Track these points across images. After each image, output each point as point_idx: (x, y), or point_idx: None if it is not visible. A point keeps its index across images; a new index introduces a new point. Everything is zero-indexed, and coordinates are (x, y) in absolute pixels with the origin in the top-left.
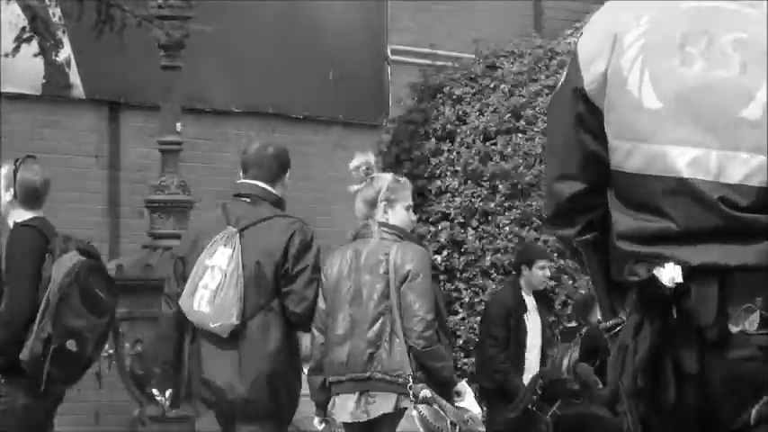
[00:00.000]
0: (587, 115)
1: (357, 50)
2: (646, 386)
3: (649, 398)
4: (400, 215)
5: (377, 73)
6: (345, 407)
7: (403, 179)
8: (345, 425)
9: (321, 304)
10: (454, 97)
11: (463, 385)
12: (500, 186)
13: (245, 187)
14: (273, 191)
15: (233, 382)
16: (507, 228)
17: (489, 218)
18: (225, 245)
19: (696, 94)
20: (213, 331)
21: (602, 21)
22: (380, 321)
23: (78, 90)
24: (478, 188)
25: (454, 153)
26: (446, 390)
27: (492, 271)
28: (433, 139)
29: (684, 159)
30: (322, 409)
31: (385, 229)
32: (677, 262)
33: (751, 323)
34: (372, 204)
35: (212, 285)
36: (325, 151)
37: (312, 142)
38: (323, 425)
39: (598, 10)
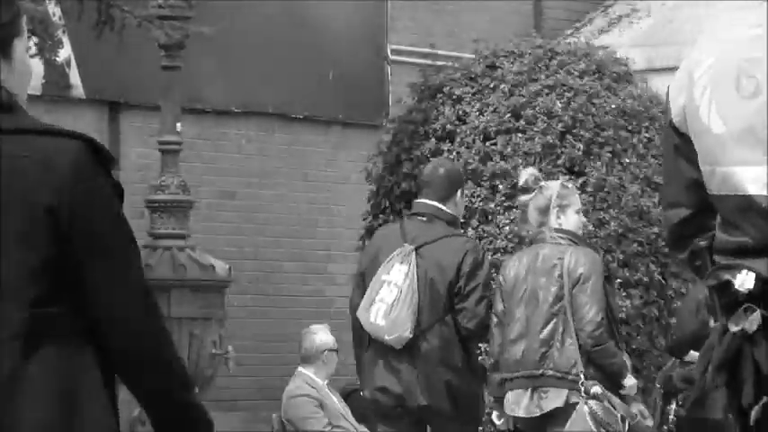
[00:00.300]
0: (682, 145)
1: (357, 50)
2: (724, 384)
3: (730, 395)
4: (572, 219)
5: (377, 73)
6: (519, 402)
7: (570, 185)
8: (519, 419)
9: (499, 305)
10: (454, 97)
11: (630, 379)
12: (500, 186)
13: (420, 206)
14: (447, 209)
15: (412, 390)
16: (507, 228)
17: (489, 218)
18: (401, 262)
19: (753, 116)
20: (388, 343)
21: (687, 57)
22: (553, 322)
23: (78, 90)
24: (478, 188)
25: (454, 153)
26: (615, 384)
27: (492, 271)
28: (433, 139)
29: (748, 177)
30: (500, 404)
31: (559, 234)
32: (753, 271)
33: (751, 323)
34: (545, 212)
35: (388, 300)
36: (325, 151)
37: (312, 142)
38: (501, 419)
39: (597, 10)
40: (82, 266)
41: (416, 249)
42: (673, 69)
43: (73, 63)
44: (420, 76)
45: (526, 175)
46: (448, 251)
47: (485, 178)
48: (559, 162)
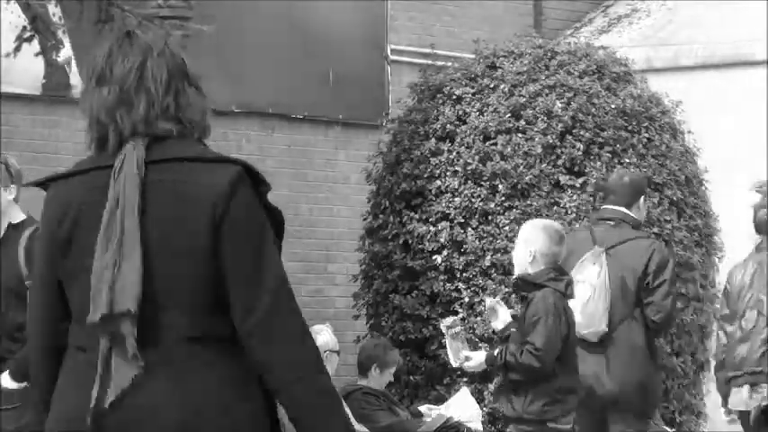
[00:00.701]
0: None
1: (357, 50)
2: None
3: None
4: None
5: (377, 73)
6: (740, 397)
7: None
8: (741, 413)
9: (725, 309)
10: (454, 97)
11: None
12: (500, 186)
13: (607, 212)
14: (632, 214)
15: (603, 380)
16: (507, 228)
17: (489, 218)
18: (593, 262)
19: None
20: (584, 337)
21: None
22: None
23: (78, 90)
24: (478, 188)
25: (454, 153)
26: None
27: (492, 271)
28: (433, 139)
29: None
30: (726, 400)
31: None
32: None
33: (747, 321)
34: None
35: (583, 297)
36: (325, 151)
37: (312, 142)
38: (730, 416)
39: (597, 10)
40: (229, 269)
41: (606, 251)
42: (672, 69)
43: (73, 63)
44: (420, 76)
45: (760, 182)
46: (636, 251)
47: (485, 178)
48: (559, 162)
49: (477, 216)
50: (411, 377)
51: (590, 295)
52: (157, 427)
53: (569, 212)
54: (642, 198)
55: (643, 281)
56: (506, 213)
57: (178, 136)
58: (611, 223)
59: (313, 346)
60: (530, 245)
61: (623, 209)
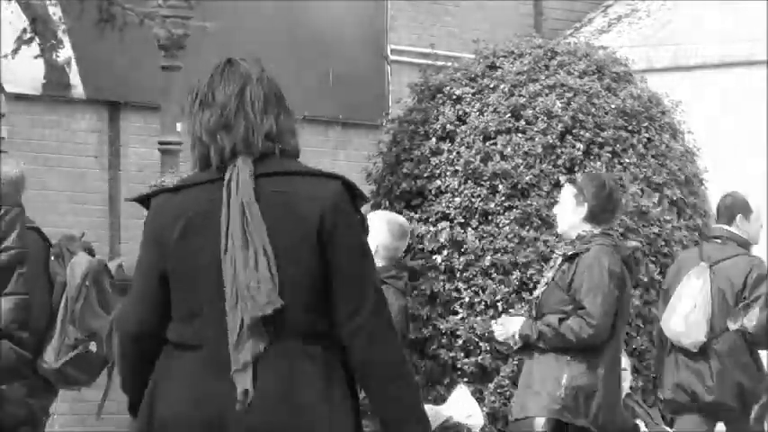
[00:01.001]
0: None
1: (357, 50)
2: None
3: None
4: None
5: (377, 73)
6: None
7: None
8: None
9: None
10: (454, 97)
11: None
12: (500, 186)
13: (715, 230)
14: (737, 232)
15: (704, 387)
16: (507, 228)
17: (489, 218)
18: (698, 277)
19: None
20: (685, 346)
21: None
22: None
23: (78, 90)
24: (478, 188)
25: (454, 153)
26: None
27: (492, 271)
28: (433, 139)
29: None
30: None
31: None
32: None
33: (749, 320)
34: None
35: (686, 309)
36: (325, 151)
37: (312, 142)
38: None
39: (597, 10)
40: (336, 274)
41: (710, 266)
42: (672, 70)
43: (73, 63)
44: (420, 76)
45: None
46: (737, 267)
47: (485, 178)
48: (559, 162)
49: (477, 216)
50: None
51: (692, 307)
52: (267, 416)
53: None
54: (738, 216)
55: (741, 295)
56: (506, 213)
57: (280, 154)
58: (719, 241)
59: (402, 346)
60: (373, 237)
61: (728, 227)
